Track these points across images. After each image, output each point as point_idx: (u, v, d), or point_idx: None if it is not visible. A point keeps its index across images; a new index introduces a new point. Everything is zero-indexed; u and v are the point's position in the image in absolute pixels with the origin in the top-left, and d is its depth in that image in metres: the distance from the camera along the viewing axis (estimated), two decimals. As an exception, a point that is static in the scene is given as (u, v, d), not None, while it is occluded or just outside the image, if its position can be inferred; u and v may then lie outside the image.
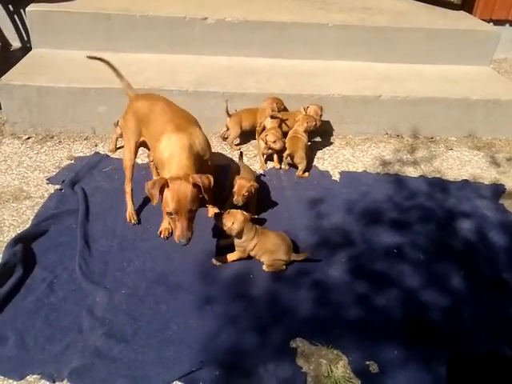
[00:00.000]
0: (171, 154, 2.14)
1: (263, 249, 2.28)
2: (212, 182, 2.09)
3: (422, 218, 2.72)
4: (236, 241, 2.29)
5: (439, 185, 3.03)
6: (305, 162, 3.01)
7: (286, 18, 3.87)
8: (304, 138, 3.09)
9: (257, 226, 2.33)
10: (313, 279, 2.29)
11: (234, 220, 2.22)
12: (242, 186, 2.48)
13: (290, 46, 3.87)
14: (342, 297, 2.21)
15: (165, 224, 2.46)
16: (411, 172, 3.17)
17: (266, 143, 3.02)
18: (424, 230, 2.64)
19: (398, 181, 3.04)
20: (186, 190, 2.01)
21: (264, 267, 2.31)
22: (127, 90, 2.64)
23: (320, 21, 3.87)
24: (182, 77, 3.47)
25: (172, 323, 2.02)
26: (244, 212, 2.28)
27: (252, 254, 2.31)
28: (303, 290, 2.23)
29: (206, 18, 3.74)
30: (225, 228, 2.24)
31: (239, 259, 2.33)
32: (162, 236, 2.45)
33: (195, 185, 2.02)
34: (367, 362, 1.93)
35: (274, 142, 2.99)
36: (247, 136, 3.38)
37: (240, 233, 2.24)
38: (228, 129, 3.26)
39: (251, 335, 2.00)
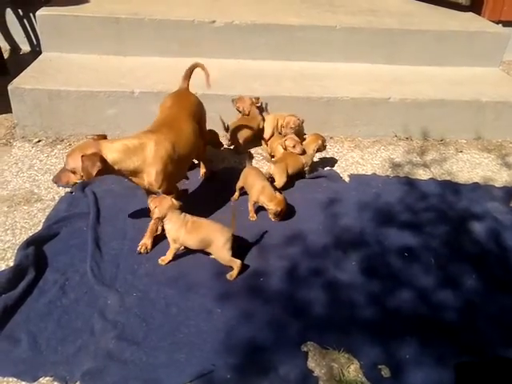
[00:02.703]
0: None
1: (199, 240, 2.25)
2: (87, 175, 2.07)
3: (434, 220, 2.71)
4: (166, 229, 2.29)
5: (450, 187, 3.01)
6: (282, 179, 2.82)
7: (293, 20, 3.87)
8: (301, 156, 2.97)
9: (189, 215, 2.30)
10: (325, 279, 2.29)
11: (158, 204, 2.23)
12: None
13: (297, 49, 3.87)
14: (353, 298, 2.21)
15: (144, 239, 2.41)
16: (421, 175, 3.15)
17: (285, 148, 2.99)
18: (436, 232, 2.63)
19: (409, 183, 3.03)
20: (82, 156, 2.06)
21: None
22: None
23: (327, 23, 3.87)
24: (190, 80, 3.48)
25: (183, 326, 2.02)
26: (173, 200, 2.28)
27: (189, 244, 2.28)
28: (315, 290, 2.23)
29: (214, 21, 3.75)
30: (151, 211, 2.25)
31: (176, 253, 2.32)
32: (141, 252, 2.37)
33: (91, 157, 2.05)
34: (379, 366, 1.93)
35: (294, 146, 2.96)
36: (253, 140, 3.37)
37: (162, 218, 2.25)
38: (230, 139, 3.24)
39: (262, 338, 2.00)
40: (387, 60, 3.92)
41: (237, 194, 2.79)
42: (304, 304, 2.17)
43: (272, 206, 2.56)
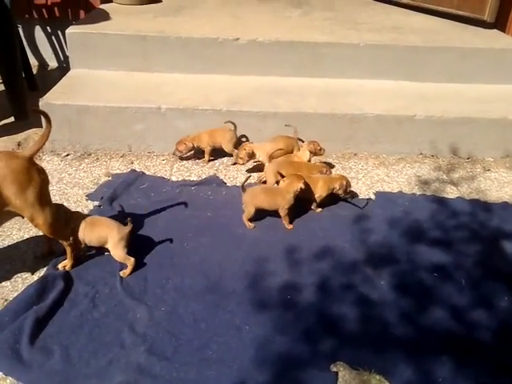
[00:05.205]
0: None
1: (96, 236, 2.30)
2: None
3: (465, 239, 2.67)
4: None
5: (480, 206, 2.96)
6: (272, 179, 2.87)
7: (317, 37, 3.91)
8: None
9: (77, 212, 2.40)
10: (355, 296, 2.27)
11: None
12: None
13: (321, 66, 3.89)
14: (385, 316, 2.17)
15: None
16: (449, 193, 3.11)
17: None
18: (468, 251, 2.59)
19: (437, 201, 2.98)
20: None
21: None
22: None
23: (351, 40, 3.89)
24: (215, 96, 3.53)
25: (212, 342, 2.01)
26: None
27: (88, 241, 2.31)
28: (345, 307, 2.21)
29: (237, 39, 3.81)
30: None
31: (74, 252, 2.32)
32: None
33: None
34: (411, 389, 1.88)
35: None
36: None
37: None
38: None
39: (291, 357, 1.97)
40: (412, 77, 3.91)
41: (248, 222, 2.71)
42: (334, 322, 2.14)
43: (296, 185, 2.62)
